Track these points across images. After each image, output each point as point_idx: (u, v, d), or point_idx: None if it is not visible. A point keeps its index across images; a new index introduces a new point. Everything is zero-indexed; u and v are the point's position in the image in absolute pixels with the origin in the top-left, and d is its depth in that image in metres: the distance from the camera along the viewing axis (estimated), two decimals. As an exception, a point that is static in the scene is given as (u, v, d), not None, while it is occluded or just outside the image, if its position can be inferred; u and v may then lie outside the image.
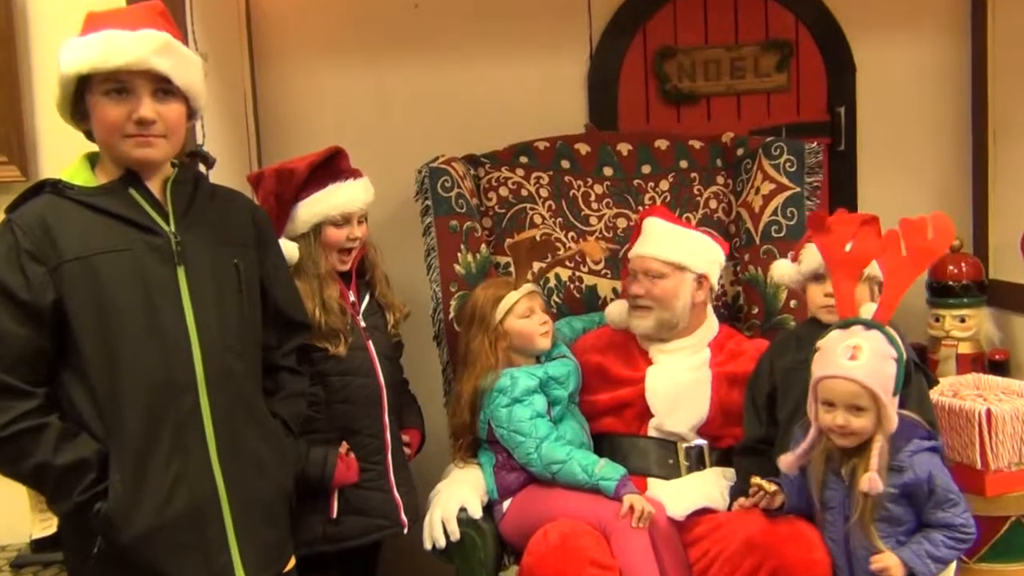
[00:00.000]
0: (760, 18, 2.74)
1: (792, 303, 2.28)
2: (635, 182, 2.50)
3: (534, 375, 2.06)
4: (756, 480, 1.76)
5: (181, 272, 1.47)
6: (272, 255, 1.67)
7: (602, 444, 2.12)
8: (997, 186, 2.71)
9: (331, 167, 2.04)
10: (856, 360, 1.62)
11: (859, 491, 1.63)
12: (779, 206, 2.35)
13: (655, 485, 2.01)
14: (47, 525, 1.82)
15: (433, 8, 2.68)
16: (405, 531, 2.05)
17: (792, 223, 2.33)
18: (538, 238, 2.22)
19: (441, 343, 2.30)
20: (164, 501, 1.42)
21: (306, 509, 1.88)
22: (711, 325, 2.19)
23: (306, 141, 2.38)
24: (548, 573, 1.79)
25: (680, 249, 2.12)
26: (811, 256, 1.95)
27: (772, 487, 1.75)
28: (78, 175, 1.49)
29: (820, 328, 1.83)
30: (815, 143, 2.44)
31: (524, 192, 2.45)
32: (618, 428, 2.12)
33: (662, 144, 2.53)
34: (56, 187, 1.46)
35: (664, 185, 2.50)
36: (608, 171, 2.51)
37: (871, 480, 1.60)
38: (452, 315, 2.25)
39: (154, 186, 1.51)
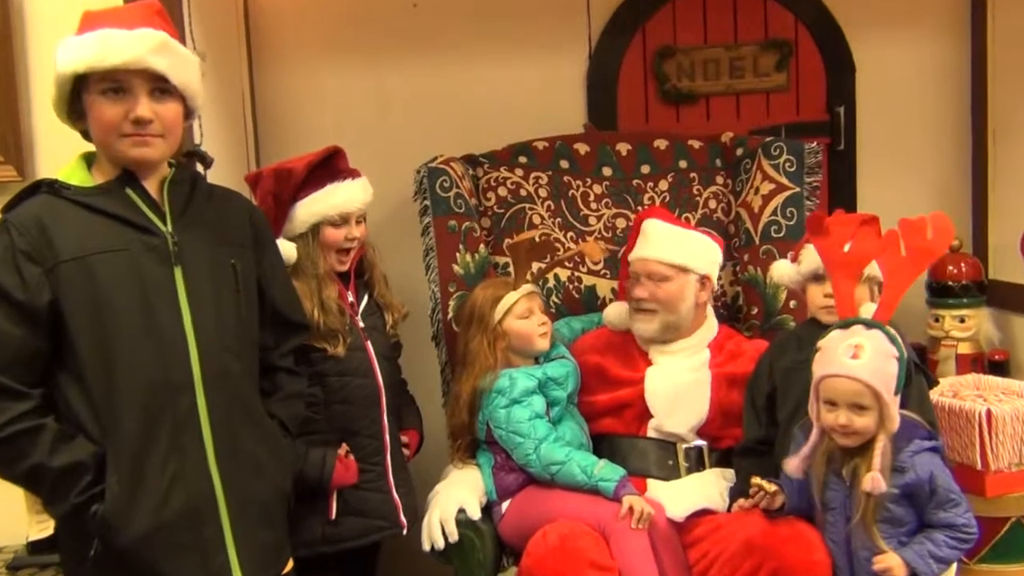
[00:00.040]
0: (759, 18, 2.74)
1: (792, 303, 2.28)
2: (634, 182, 2.49)
3: (533, 376, 2.05)
4: (756, 480, 1.76)
5: (178, 272, 1.47)
6: (269, 255, 1.67)
7: (601, 445, 2.12)
8: (997, 186, 2.71)
9: (329, 167, 2.03)
10: (858, 359, 1.62)
11: (861, 491, 1.62)
12: (779, 206, 2.34)
13: (654, 486, 2.01)
14: (44, 527, 1.81)
15: (432, 8, 2.68)
16: (404, 532, 2.04)
17: (792, 223, 2.32)
18: (537, 239, 2.21)
19: (440, 343, 2.29)
20: (161, 502, 1.42)
21: (305, 510, 1.87)
22: (711, 326, 2.19)
23: (304, 141, 2.37)
24: (547, 574, 1.79)
25: (683, 251, 2.11)
26: (811, 256, 1.94)
27: (772, 487, 1.75)
28: (74, 175, 1.48)
29: (820, 329, 1.83)
30: (815, 143, 2.44)
31: (523, 192, 2.44)
32: (617, 429, 2.12)
33: (661, 144, 2.52)
34: (52, 187, 1.46)
35: (663, 185, 2.49)
36: (607, 171, 2.50)
37: (874, 480, 1.60)
38: (451, 315, 2.25)
39: (151, 186, 1.50)
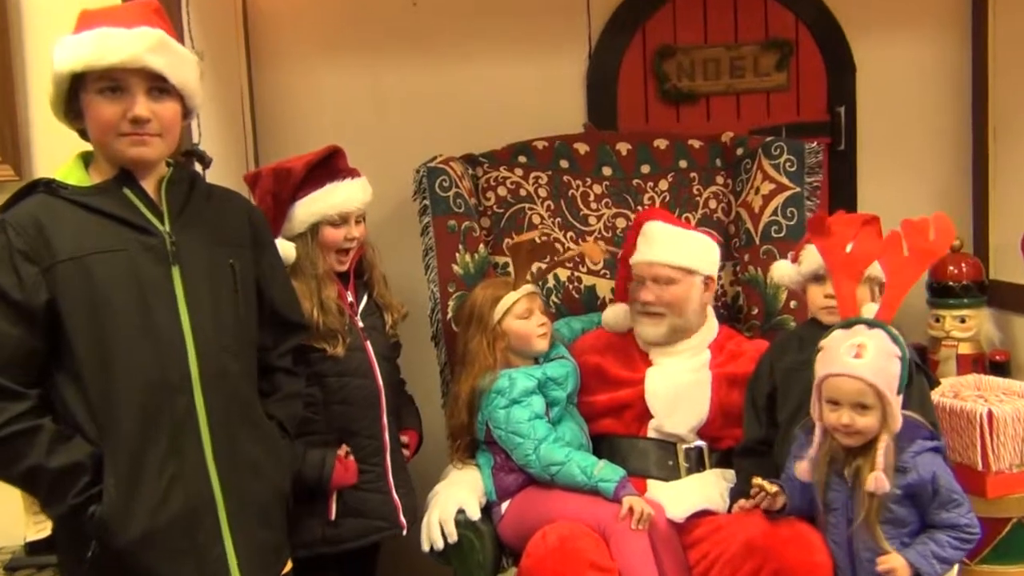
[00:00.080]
0: (760, 17, 2.74)
1: (792, 304, 2.28)
2: (634, 182, 2.49)
3: (532, 376, 2.04)
4: (758, 481, 1.75)
5: (176, 272, 1.46)
6: (268, 255, 1.66)
7: (601, 445, 2.11)
8: (997, 186, 2.71)
9: (329, 166, 2.02)
10: (861, 358, 1.62)
11: (865, 491, 1.62)
12: (779, 206, 2.34)
13: (654, 487, 2.00)
14: (41, 528, 1.80)
15: (431, 6, 2.67)
16: (404, 533, 2.04)
17: (792, 223, 2.32)
18: (538, 240, 2.20)
19: (439, 343, 2.28)
20: (159, 503, 1.41)
21: (304, 511, 1.87)
22: (711, 326, 2.18)
23: (303, 140, 2.37)
24: (547, 575, 1.78)
25: (688, 252, 2.10)
26: (811, 257, 1.94)
27: (774, 488, 1.75)
28: (72, 174, 1.48)
29: (821, 329, 1.82)
30: (815, 143, 2.44)
31: (523, 192, 2.44)
32: (617, 429, 2.11)
33: (661, 144, 2.52)
34: (49, 187, 1.45)
35: (663, 185, 2.49)
36: (607, 171, 2.49)
37: (877, 479, 1.60)
38: (450, 315, 2.24)
39: (149, 186, 1.49)
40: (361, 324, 2.05)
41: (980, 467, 2.11)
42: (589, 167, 2.49)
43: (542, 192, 2.45)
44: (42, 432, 1.38)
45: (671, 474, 2.04)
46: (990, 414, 2.09)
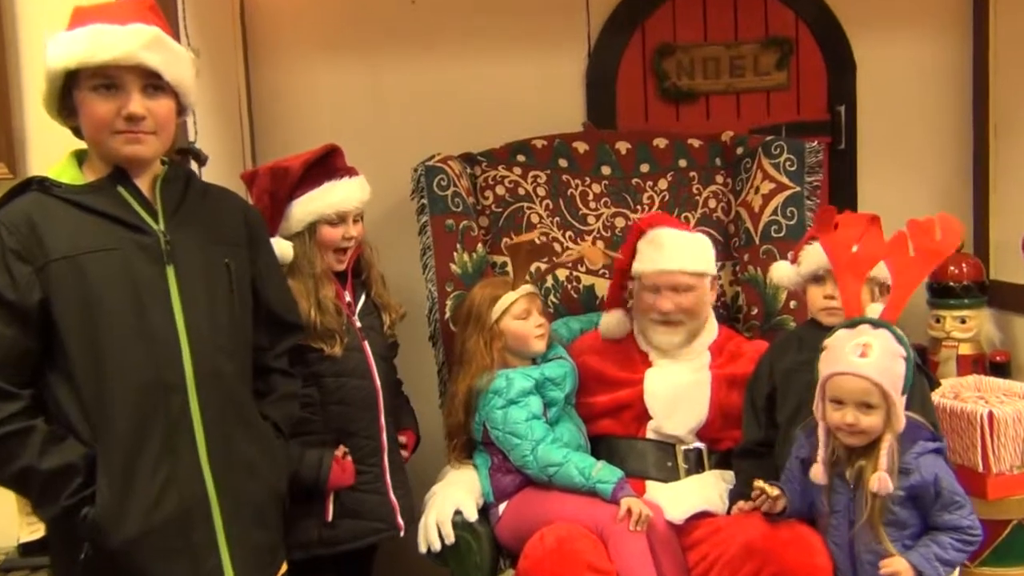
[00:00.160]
0: (760, 16, 2.73)
1: (792, 304, 2.27)
2: (633, 181, 2.48)
3: (530, 376, 2.03)
4: (759, 484, 1.74)
5: (171, 271, 1.45)
6: (264, 255, 1.65)
7: (600, 446, 2.10)
8: (998, 186, 2.70)
9: (326, 165, 2.01)
10: (866, 357, 1.61)
11: (868, 492, 1.61)
12: (779, 206, 2.33)
13: (653, 488, 1.99)
14: (35, 528, 1.80)
15: (430, 4, 2.66)
16: (401, 534, 2.03)
17: (792, 223, 2.31)
18: (537, 240, 2.19)
19: (437, 343, 2.27)
20: (153, 504, 1.40)
21: (301, 512, 1.86)
22: (711, 327, 2.17)
23: (301, 139, 2.35)
24: (545, 577, 1.77)
25: (700, 256, 2.09)
26: (810, 258, 1.93)
27: (775, 491, 1.73)
28: (65, 173, 1.47)
29: (820, 330, 1.82)
30: (815, 142, 2.43)
31: (521, 191, 2.43)
32: (616, 430, 2.10)
33: (661, 143, 2.50)
34: (43, 185, 1.44)
35: (663, 184, 2.47)
36: (606, 170, 2.48)
37: (880, 480, 1.59)
38: (448, 315, 2.23)
39: (143, 184, 1.48)
40: (359, 324, 2.04)
41: (980, 469, 2.10)
42: (588, 166, 2.48)
43: (541, 191, 2.44)
44: (35, 433, 1.37)
45: (670, 475, 2.03)
46: (991, 415, 2.08)
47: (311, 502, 1.90)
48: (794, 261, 2.02)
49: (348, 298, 2.05)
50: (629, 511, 1.84)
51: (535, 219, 2.41)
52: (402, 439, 2.12)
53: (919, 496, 1.64)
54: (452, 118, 2.63)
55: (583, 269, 2.41)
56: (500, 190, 2.42)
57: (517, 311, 2.06)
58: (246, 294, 1.57)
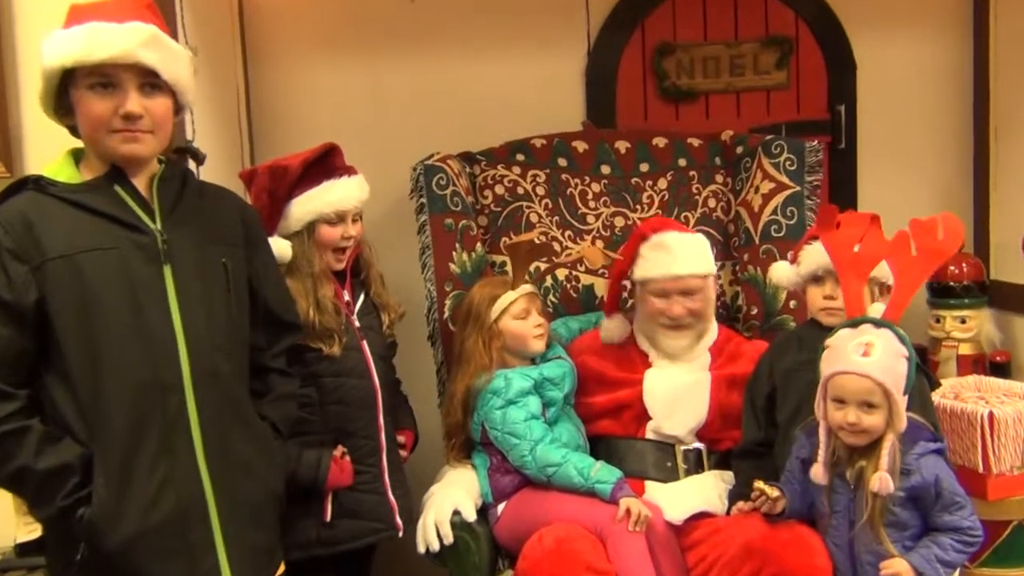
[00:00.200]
0: (760, 15, 2.72)
1: (792, 304, 2.26)
2: (633, 180, 2.47)
3: (528, 376, 2.03)
4: (759, 484, 1.74)
5: (167, 271, 1.44)
6: (262, 254, 1.65)
7: (599, 446, 2.10)
8: (998, 185, 2.69)
9: (325, 164, 2.01)
10: (869, 356, 1.61)
11: (868, 492, 1.61)
12: (779, 205, 2.32)
13: (652, 488, 1.99)
14: (31, 529, 1.79)
15: (429, 4, 2.66)
16: (400, 535, 2.02)
17: (792, 222, 2.31)
18: (537, 240, 2.19)
19: (436, 343, 2.27)
20: (149, 505, 1.39)
21: (299, 512, 1.85)
22: (712, 328, 2.16)
23: (300, 138, 2.35)
24: (543, 578, 1.77)
25: (705, 257, 2.09)
26: (810, 258, 1.93)
27: (775, 492, 1.73)
28: (62, 171, 1.46)
29: (820, 330, 1.81)
30: (815, 141, 2.43)
31: (520, 190, 2.42)
32: (615, 430, 2.10)
33: (660, 142, 2.50)
34: (39, 184, 1.44)
35: (662, 183, 2.47)
36: (606, 169, 2.48)
37: (881, 480, 1.59)
38: (447, 315, 2.22)
39: (140, 183, 1.48)
40: (358, 323, 2.03)
41: (981, 469, 2.09)
42: (588, 165, 2.47)
43: (540, 190, 2.43)
44: (30, 433, 1.36)
45: (669, 476, 2.03)
46: (991, 416, 2.08)
47: (309, 502, 1.90)
48: (793, 261, 2.02)
49: (347, 297, 2.04)
50: (628, 511, 1.84)
51: (534, 218, 2.40)
52: (401, 439, 2.12)
53: (920, 497, 1.63)
54: (452, 117, 2.63)
55: (583, 268, 2.40)
56: (499, 189, 2.42)
57: (516, 311, 2.06)
58: (243, 293, 1.56)
